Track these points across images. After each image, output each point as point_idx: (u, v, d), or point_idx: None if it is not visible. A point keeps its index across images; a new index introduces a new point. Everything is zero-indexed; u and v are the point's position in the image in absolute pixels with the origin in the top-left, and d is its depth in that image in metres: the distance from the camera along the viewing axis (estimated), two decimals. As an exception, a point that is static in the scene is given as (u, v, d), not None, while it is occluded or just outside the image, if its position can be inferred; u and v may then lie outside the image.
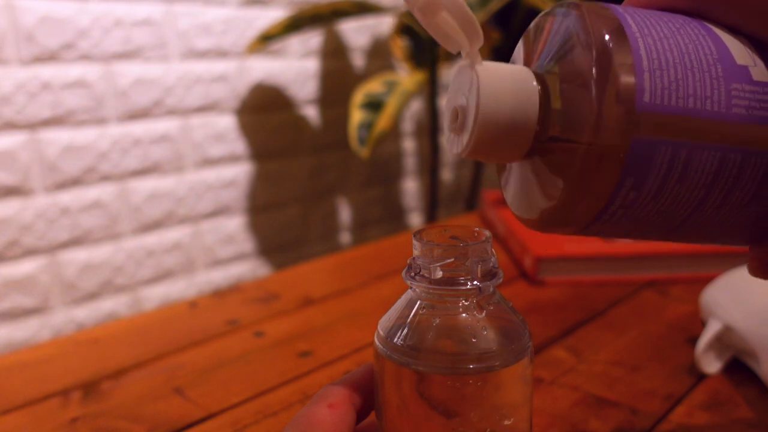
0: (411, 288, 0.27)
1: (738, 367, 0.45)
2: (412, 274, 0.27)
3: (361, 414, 0.29)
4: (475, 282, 0.26)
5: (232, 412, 0.42)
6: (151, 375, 0.47)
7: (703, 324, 0.50)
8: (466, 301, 0.26)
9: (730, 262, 0.60)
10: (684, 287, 0.61)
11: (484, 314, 0.26)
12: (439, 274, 0.26)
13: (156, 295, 1.01)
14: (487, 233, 0.27)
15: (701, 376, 0.45)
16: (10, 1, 0.82)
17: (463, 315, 0.26)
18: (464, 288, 0.26)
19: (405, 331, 0.26)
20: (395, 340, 0.26)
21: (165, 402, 0.44)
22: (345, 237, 1.30)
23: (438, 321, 0.26)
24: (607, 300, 0.59)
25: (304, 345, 0.52)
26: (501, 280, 0.26)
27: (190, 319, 0.58)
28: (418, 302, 0.27)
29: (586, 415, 0.40)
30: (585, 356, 0.48)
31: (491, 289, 0.26)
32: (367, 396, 0.29)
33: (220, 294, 0.63)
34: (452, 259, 0.26)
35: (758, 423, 0.39)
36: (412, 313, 0.27)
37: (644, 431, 0.39)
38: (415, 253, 0.27)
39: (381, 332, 0.27)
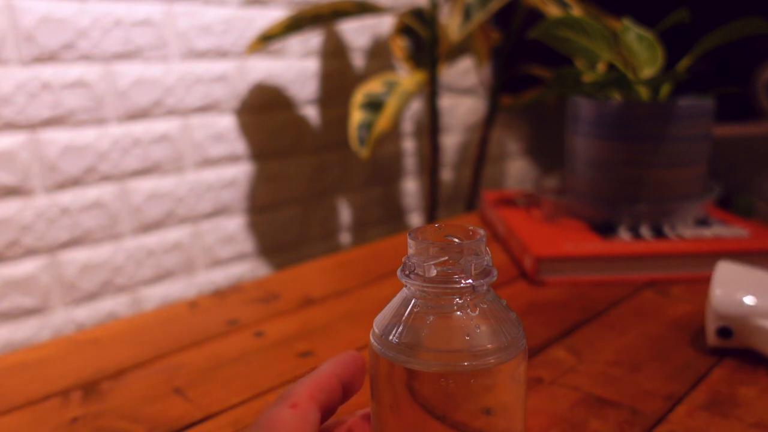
0: (406, 286, 0.27)
1: (738, 366, 0.45)
2: (407, 272, 0.27)
3: (327, 411, 0.28)
4: (469, 280, 0.26)
5: (232, 412, 0.42)
6: (150, 375, 0.47)
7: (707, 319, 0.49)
8: (460, 299, 0.26)
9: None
10: (684, 287, 0.61)
11: (477, 312, 0.26)
12: (434, 272, 0.26)
13: (156, 295, 1.01)
14: (482, 232, 0.27)
15: (701, 376, 0.45)
16: (10, 1, 0.82)
17: (457, 313, 0.26)
18: (458, 286, 0.26)
19: (400, 328, 0.26)
20: (390, 337, 0.26)
21: (165, 402, 0.44)
22: (345, 237, 1.30)
23: (432, 319, 0.26)
24: (607, 300, 0.59)
25: (304, 345, 0.52)
26: (495, 279, 0.26)
27: (190, 319, 0.58)
28: (413, 300, 0.27)
29: (586, 415, 0.40)
30: (585, 356, 0.48)
31: (485, 288, 0.26)
32: (332, 393, 0.28)
33: (220, 294, 0.63)
34: (446, 258, 0.26)
35: (758, 423, 0.39)
36: (406, 312, 0.27)
37: (644, 431, 0.39)
38: (410, 251, 0.27)
39: (376, 330, 0.27)
